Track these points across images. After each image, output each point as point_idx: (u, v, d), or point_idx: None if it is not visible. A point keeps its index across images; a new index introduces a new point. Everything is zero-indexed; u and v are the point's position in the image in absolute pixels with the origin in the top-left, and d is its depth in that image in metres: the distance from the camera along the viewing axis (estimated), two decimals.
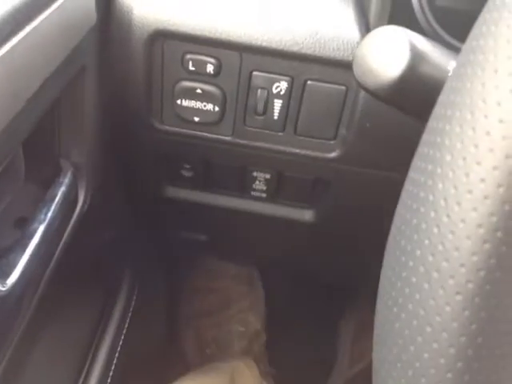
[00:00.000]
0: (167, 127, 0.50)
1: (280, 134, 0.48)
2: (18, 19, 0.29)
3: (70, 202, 0.43)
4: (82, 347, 0.58)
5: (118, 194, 0.59)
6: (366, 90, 0.29)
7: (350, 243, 0.67)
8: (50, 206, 0.41)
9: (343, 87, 0.45)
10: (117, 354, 0.59)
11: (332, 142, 0.48)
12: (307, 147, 0.49)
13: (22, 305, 0.38)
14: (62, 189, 0.42)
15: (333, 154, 0.49)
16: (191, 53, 0.45)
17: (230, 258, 0.89)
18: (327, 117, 0.47)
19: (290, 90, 0.45)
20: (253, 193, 0.59)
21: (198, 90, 0.46)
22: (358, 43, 0.43)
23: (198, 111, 0.48)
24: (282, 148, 0.49)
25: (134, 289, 0.65)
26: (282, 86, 0.45)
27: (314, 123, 0.47)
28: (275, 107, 0.46)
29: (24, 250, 0.38)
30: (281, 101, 0.46)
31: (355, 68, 0.29)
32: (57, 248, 0.42)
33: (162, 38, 0.44)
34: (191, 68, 0.45)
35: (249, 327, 0.97)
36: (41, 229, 0.40)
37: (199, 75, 0.46)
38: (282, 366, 0.99)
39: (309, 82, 0.45)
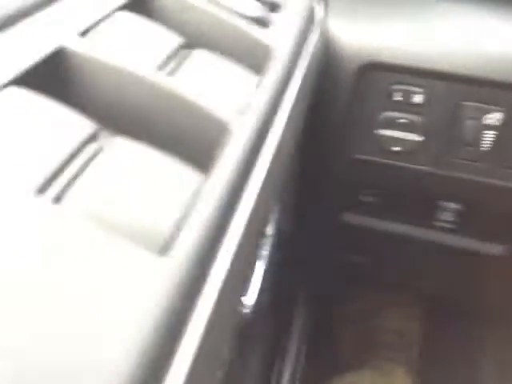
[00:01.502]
0: (363, 156, 0.50)
1: (486, 165, 0.46)
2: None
3: (280, 235, 0.46)
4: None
5: (298, 219, 0.61)
6: None
7: None
8: (268, 242, 0.44)
9: None
10: None
11: None
12: None
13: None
14: (274, 226, 0.44)
15: None
16: (399, 83, 0.45)
17: (392, 289, 0.87)
18: None
19: (503, 121, 0.43)
20: (435, 223, 0.58)
21: (402, 120, 0.46)
22: None
23: (399, 141, 0.48)
24: (485, 180, 0.47)
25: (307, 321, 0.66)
26: (494, 116, 0.44)
27: None
28: (485, 138, 0.45)
29: (257, 279, 0.40)
30: (492, 132, 0.44)
31: None
32: (274, 279, 0.44)
33: (372, 69, 0.45)
34: (397, 98, 0.46)
35: None
36: (263, 262, 0.42)
37: (405, 105, 0.46)
38: None
39: None
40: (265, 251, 0.41)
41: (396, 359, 0.93)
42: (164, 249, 0.16)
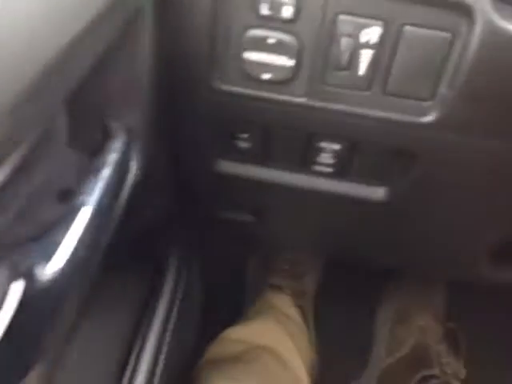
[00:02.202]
0: (229, 87, 0.42)
1: (365, 93, 0.41)
2: None
3: (122, 171, 0.36)
4: (123, 342, 0.51)
5: (164, 166, 0.52)
6: None
7: (420, 226, 0.59)
8: (99, 175, 0.34)
9: (449, 34, 0.37)
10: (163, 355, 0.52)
11: (427, 104, 0.40)
12: (396, 110, 0.41)
13: (69, 294, 0.31)
14: (114, 155, 0.35)
15: (427, 119, 0.41)
16: None
17: (281, 244, 0.82)
18: (425, 72, 0.39)
19: (382, 37, 0.38)
20: (316, 167, 0.52)
21: (271, 40, 0.39)
22: None
23: (268, 66, 0.40)
24: (365, 111, 0.42)
25: (180, 279, 0.59)
26: (372, 32, 0.38)
27: (407, 80, 0.39)
28: (362, 59, 0.39)
29: (69, 228, 0.31)
30: (370, 51, 0.38)
31: None
32: (107, 227, 0.35)
33: None
34: (264, 12, 0.38)
35: None
36: (89, 202, 0.33)
37: (273, 21, 0.38)
38: (319, 354, 0.93)
39: (406, 28, 0.37)
40: (90, 196, 0.32)
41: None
42: None
